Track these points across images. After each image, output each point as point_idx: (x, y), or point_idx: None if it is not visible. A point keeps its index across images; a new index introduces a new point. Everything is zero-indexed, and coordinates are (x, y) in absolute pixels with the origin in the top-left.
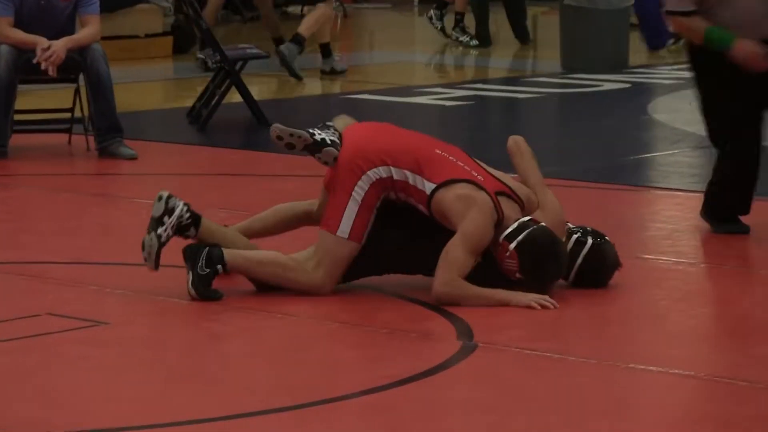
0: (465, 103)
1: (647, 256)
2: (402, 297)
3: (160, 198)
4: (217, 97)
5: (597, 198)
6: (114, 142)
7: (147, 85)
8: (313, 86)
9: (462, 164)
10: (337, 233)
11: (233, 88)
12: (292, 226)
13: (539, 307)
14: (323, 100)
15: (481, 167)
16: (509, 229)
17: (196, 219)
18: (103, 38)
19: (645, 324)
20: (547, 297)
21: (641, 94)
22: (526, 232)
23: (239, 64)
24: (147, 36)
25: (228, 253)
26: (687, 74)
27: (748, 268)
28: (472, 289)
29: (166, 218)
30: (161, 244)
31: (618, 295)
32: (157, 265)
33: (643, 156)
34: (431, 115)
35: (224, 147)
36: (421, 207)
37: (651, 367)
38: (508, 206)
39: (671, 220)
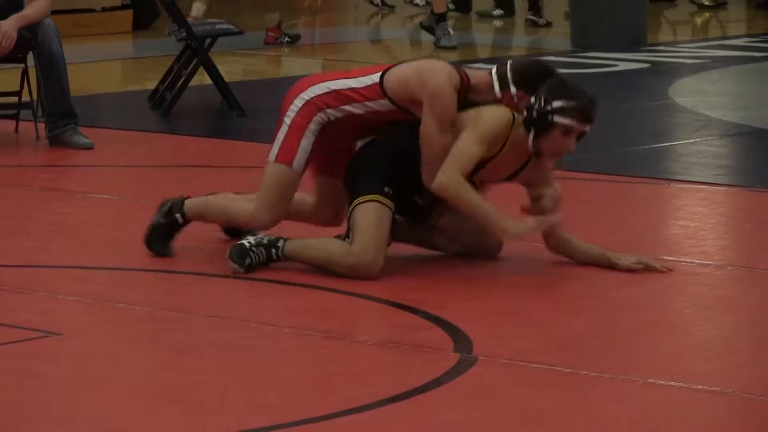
0: None
1: (668, 258)
2: (393, 304)
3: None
4: (183, 79)
5: (610, 191)
6: (67, 130)
7: (104, 65)
8: (291, 66)
9: None
10: (268, 158)
11: (201, 69)
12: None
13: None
14: None
15: None
16: (496, 83)
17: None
18: (55, 12)
19: (666, 335)
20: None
21: (661, 74)
22: (509, 66)
23: (208, 41)
24: (104, 9)
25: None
26: (712, 53)
27: None
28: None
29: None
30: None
31: (635, 302)
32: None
33: (663, 145)
34: None
35: (191, 135)
36: (379, 104)
37: (672, 383)
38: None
39: (695, 217)
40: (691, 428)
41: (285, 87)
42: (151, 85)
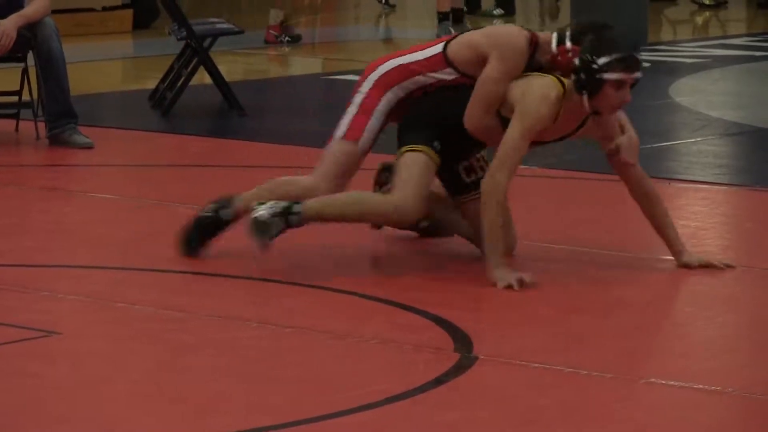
0: None
1: (669, 258)
2: (394, 304)
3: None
4: (183, 78)
5: (611, 191)
6: (67, 129)
7: (104, 65)
8: (291, 66)
9: None
10: (335, 137)
11: (201, 68)
12: None
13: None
14: (301, 81)
15: None
16: (555, 39)
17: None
18: (55, 11)
19: (667, 334)
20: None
21: (661, 74)
22: (571, 27)
23: (208, 40)
24: (104, 9)
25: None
26: (712, 52)
27: None
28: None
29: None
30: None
31: (637, 302)
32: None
33: (663, 144)
34: None
35: (191, 134)
36: (443, 73)
37: (673, 382)
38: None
39: (695, 217)
40: (692, 427)
41: (286, 86)
42: (152, 85)
